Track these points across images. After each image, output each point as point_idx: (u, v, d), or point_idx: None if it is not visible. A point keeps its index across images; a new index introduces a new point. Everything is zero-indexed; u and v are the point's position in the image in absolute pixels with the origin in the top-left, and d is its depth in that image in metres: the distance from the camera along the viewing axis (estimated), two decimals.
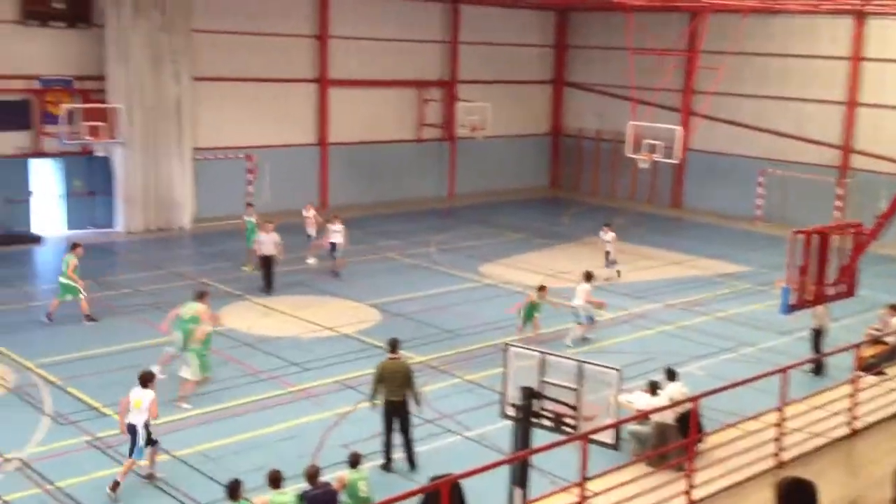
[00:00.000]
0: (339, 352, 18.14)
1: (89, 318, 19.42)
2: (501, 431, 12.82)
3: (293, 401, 15.58)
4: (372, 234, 29.02)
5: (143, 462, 12.64)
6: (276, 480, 10.14)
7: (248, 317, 20.19)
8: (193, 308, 15.77)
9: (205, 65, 29.83)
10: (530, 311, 18.58)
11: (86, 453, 13.33)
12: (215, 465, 13.06)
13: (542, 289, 19.11)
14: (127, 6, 27.58)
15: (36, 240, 27.16)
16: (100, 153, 28.18)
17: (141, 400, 12.36)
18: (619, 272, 24.60)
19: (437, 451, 13.71)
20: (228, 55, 30.63)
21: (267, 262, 22.04)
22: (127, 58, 27.80)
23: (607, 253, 24.72)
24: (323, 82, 33.03)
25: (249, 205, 26.26)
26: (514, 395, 10.13)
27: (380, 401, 13.18)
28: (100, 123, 26.96)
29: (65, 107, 27.07)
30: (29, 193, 27.83)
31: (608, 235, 24.71)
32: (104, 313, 19.86)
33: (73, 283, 19.18)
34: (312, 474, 10.32)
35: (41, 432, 13.98)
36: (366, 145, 34.41)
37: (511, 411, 10.12)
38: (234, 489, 10.02)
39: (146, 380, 12.51)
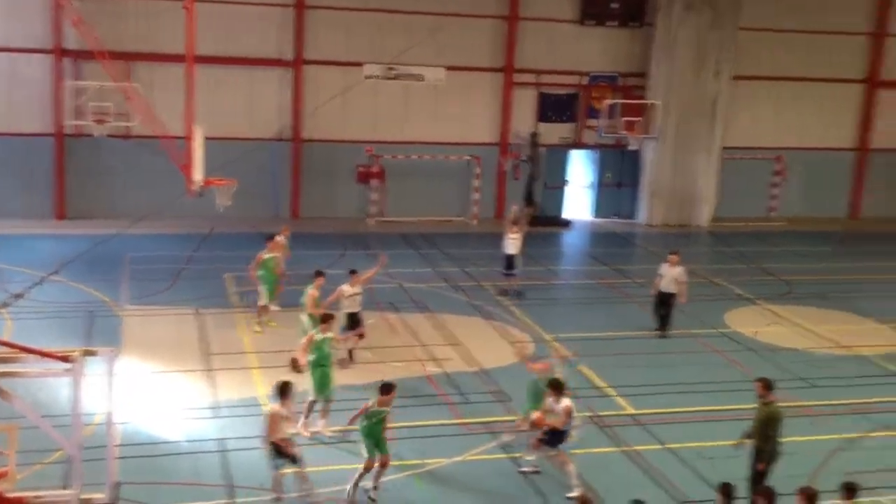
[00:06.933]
0: (851, 374, 16.87)
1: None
2: None
3: (794, 416, 14.85)
4: None
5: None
6: (768, 496, 9.82)
7: (756, 322, 19.73)
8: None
9: (746, 63, 29.47)
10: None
11: (586, 428, 14.16)
12: (709, 465, 13.04)
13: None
14: (679, 4, 28.30)
15: (565, 224, 29.40)
16: (632, 147, 29.52)
17: None
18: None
19: None
20: (770, 53, 29.91)
21: (664, 300, 18.36)
22: (671, 55, 28.61)
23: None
24: (871, 83, 30.64)
25: None
26: None
27: None
28: (636, 119, 28.26)
29: (606, 102, 28.87)
30: (565, 181, 30.26)
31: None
32: (617, 300, 20.85)
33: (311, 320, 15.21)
34: (811, 496, 9.80)
35: None
36: None
37: None
38: (727, 492, 9.90)
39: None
